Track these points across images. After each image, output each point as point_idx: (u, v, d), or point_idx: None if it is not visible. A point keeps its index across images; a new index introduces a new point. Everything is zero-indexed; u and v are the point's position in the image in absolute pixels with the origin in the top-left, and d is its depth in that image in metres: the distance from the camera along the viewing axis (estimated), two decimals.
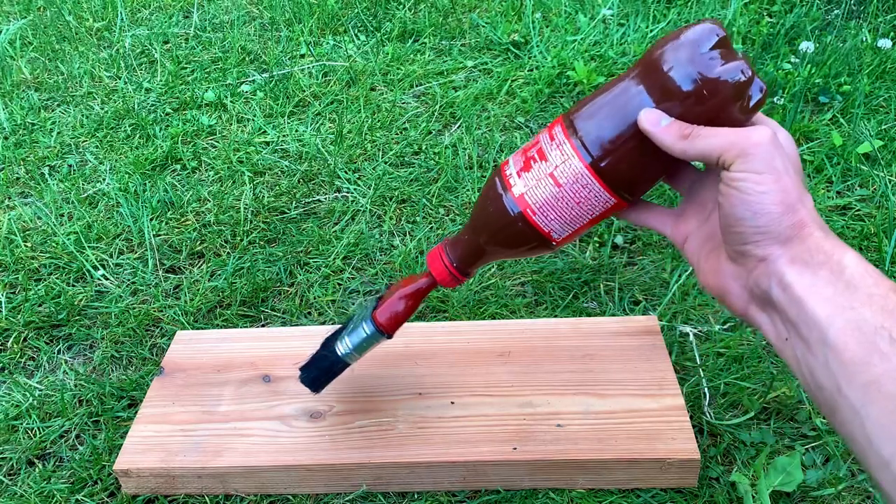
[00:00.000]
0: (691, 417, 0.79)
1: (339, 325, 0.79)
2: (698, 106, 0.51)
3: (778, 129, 0.52)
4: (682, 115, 0.52)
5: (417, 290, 0.71)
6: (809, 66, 1.40)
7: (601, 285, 1.01)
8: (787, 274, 0.46)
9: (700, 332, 0.93)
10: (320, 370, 0.76)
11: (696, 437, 0.76)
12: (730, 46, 0.52)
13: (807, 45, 1.45)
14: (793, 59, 1.45)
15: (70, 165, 1.33)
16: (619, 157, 0.54)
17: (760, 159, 0.47)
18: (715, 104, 0.51)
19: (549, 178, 0.57)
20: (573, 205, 0.57)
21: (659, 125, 0.51)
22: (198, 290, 1.04)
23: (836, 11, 1.58)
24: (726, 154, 0.48)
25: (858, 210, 1.12)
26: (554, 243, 0.60)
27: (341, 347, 0.74)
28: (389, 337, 0.72)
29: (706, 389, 0.85)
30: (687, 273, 1.01)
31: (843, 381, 0.42)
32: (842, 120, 1.31)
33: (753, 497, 0.75)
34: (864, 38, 1.50)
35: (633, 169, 0.55)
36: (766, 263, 0.48)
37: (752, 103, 0.52)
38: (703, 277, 0.54)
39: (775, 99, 1.34)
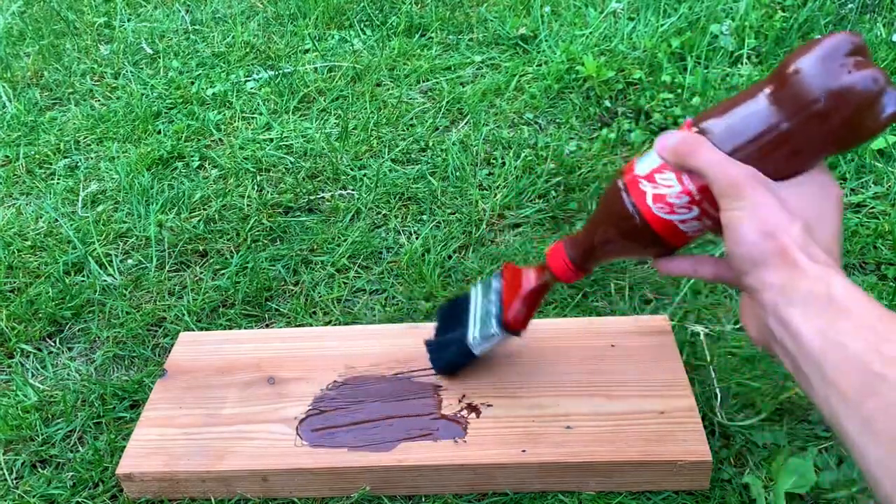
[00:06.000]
0: (703, 418, 0.78)
1: (452, 301, 0.86)
2: (826, 116, 0.50)
3: (819, 179, 0.53)
4: (810, 126, 0.51)
5: (540, 288, 0.74)
6: None
7: (611, 284, 0.99)
8: (780, 305, 0.48)
9: (711, 331, 0.91)
10: (453, 359, 0.81)
11: (708, 439, 0.75)
12: (866, 55, 0.51)
13: None
14: None
15: (72, 163, 1.33)
16: (749, 158, 0.53)
17: (741, 195, 0.50)
18: (841, 115, 0.50)
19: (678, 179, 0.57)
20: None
21: (665, 146, 0.55)
22: (201, 288, 1.03)
23: (850, 5, 1.56)
24: (714, 190, 0.52)
25: (873, 208, 1.10)
26: (674, 245, 0.61)
27: (472, 340, 0.78)
28: (519, 335, 0.77)
29: (718, 390, 0.84)
30: None
31: (841, 415, 0.43)
32: None
33: (767, 500, 0.74)
34: (879, 33, 1.48)
35: (763, 167, 0.54)
36: (761, 295, 0.49)
37: (884, 115, 0.50)
38: (739, 311, 0.56)
39: None
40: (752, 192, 0.50)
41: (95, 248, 1.11)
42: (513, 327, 0.76)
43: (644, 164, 0.59)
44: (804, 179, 0.53)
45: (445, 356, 0.82)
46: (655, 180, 0.57)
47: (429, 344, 0.84)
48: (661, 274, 0.62)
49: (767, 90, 0.53)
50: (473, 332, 0.78)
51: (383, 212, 1.15)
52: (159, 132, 1.38)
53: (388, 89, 1.46)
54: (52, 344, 0.98)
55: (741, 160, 0.52)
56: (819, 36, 0.52)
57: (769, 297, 0.48)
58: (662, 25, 1.53)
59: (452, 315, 0.83)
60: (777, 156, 0.53)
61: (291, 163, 1.27)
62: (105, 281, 1.06)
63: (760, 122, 0.53)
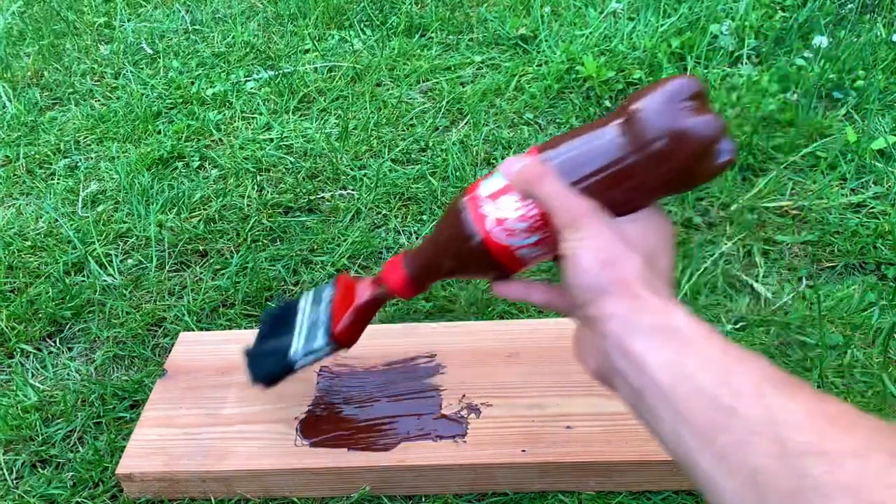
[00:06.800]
0: None
1: (280, 307, 0.79)
2: (665, 156, 0.51)
3: (654, 216, 0.54)
4: (650, 164, 0.52)
5: (374, 300, 0.70)
6: (823, 61, 1.38)
7: None
8: (623, 336, 0.47)
9: None
10: (272, 370, 0.74)
11: None
12: (705, 101, 0.52)
13: (820, 40, 1.43)
14: (806, 55, 1.43)
15: (72, 163, 1.32)
16: (589, 191, 0.54)
17: (581, 227, 0.50)
18: (680, 156, 0.51)
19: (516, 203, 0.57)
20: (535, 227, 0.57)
21: (512, 171, 0.55)
22: (201, 288, 1.03)
23: (850, 6, 1.56)
24: (555, 221, 0.52)
25: (873, 208, 1.10)
26: (510, 269, 0.60)
27: (294, 352, 0.72)
28: (347, 349, 0.72)
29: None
30: (698, 272, 0.99)
31: (693, 449, 0.42)
32: (856, 116, 1.29)
33: None
34: (879, 33, 1.48)
35: (603, 201, 0.54)
36: (603, 325, 0.48)
37: (718, 161, 0.51)
38: (573, 347, 0.56)
39: (788, 94, 1.33)
40: (592, 224, 0.50)
41: (95, 248, 1.11)
42: (341, 340, 0.71)
43: (487, 186, 0.58)
44: (640, 216, 0.53)
45: (264, 367, 0.75)
46: (497, 203, 0.57)
47: (247, 353, 0.77)
48: (497, 296, 0.62)
49: (611, 127, 0.53)
50: (297, 344, 0.72)
51: (383, 212, 1.15)
52: (159, 132, 1.38)
53: (388, 89, 1.46)
54: (52, 344, 0.98)
55: (581, 193, 0.53)
56: (663, 78, 0.53)
57: (612, 328, 0.47)
58: (662, 25, 1.53)
59: (277, 323, 0.77)
60: (616, 191, 0.53)
61: (291, 163, 1.27)
62: (105, 281, 1.06)
63: (603, 156, 0.53)
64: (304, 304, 0.76)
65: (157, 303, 1.02)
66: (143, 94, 1.50)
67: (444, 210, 0.63)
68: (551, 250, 0.57)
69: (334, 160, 1.26)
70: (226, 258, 1.08)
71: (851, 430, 0.37)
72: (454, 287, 1.00)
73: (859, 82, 1.34)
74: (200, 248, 1.11)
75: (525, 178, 0.54)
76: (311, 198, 1.19)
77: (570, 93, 1.41)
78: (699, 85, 0.52)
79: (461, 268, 0.62)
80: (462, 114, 1.37)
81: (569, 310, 0.56)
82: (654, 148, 0.51)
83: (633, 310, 0.47)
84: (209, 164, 1.30)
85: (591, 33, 1.54)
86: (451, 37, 1.63)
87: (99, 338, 0.98)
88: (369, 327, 0.92)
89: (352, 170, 1.24)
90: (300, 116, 1.40)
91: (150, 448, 0.78)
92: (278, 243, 1.11)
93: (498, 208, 0.57)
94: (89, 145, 1.37)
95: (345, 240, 1.09)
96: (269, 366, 0.74)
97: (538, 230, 0.56)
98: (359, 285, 0.72)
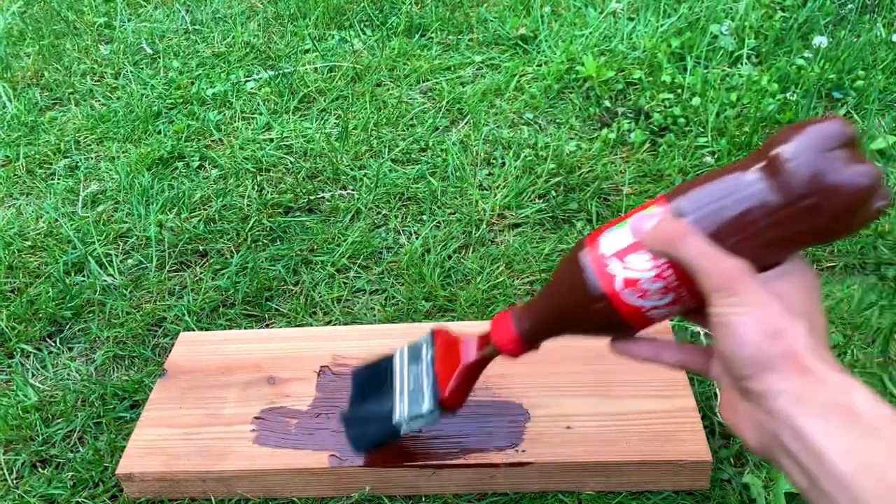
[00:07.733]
0: (703, 418, 0.78)
1: (372, 365, 0.76)
2: (817, 210, 0.48)
3: (800, 268, 0.50)
4: (799, 218, 0.48)
5: (481, 360, 0.67)
6: (823, 61, 1.38)
7: None
8: (796, 418, 0.43)
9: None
10: (377, 438, 0.73)
11: (708, 439, 0.75)
12: (857, 148, 0.48)
13: (820, 40, 1.43)
14: (806, 55, 1.43)
15: (72, 163, 1.33)
16: (731, 247, 0.49)
17: (736, 292, 0.46)
18: (833, 210, 0.47)
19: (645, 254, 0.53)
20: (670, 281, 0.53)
21: (646, 231, 0.51)
22: (201, 288, 1.03)
23: (849, 6, 1.56)
24: (705, 285, 0.48)
25: None
26: (636, 329, 0.57)
27: (399, 418, 0.69)
28: (455, 414, 0.69)
29: (718, 390, 0.84)
30: None
31: None
32: (856, 116, 1.29)
33: (767, 500, 0.74)
34: (879, 33, 1.48)
35: (745, 256, 0.50)
36: (771, 402, 0.44)
37: (871, 210, 0.47)
38: (721, 411, 0.51)
39: (788, 94, 1.33)
40: (749, 289, 0.46)
41: (95, 248, 1.11)
42: (449, 405, 0.67)
43: (612, 242, 0.54)
44: (787, 269, 0.49)
45: (368, 434, 0.73)
46: (625, 262, 0.53)
47: (345, 418, 0.75)
48: (617, 355, 0.59)
49: (753, 175, 0.49)
50: (401, 409, 0.69)
51: (383, 212, 1.15)
52: (159, 132, 1.38)
53: (388, 89, 1.46)
54: (52, 344, 0.98)
55: (724, 249, 0.49)
56: (808, 120, 0.49)
57: (781, 406, 0.44)
58: (662, 25, 1.53)
59: (371, 383, 0.74)
60: (759, 245, 0.49)
61: (291, 163, 1.27)
62: (105, 281, 1.06)
63: (744, 209, 0.49)
64: (400, 362, 0.73)
65: (157, 303, 1.02)
66: (143, 94, 1.50)
67: (560, 266, 0.59)
68: (686, 308, 0.53)
69: (334, 160, 1.26)
70: (226, 258, 1.08)
71: None
72: (454, 287, 1.00)
73: (859, 82, 1.34)
74: (200, 248, 1.11)
75: (663, 238, 0.50)
76: (311, 198, 1.19)
77: (570, 93, 1.41)
78: (850, 130, 0.47)
79: (580, 327, 0.59)
80: (462, 114, 1.37)
81: (711, 373, 0.53)
82: (804, 203, 0.48)
83: (805, 386, 0.43)
84: (209, 164, 1.30)
85: (591, 33, 1.54)
86: (451, 37, 1.63)
87: (99, 338, 0.98)
88: (369, 327, 0.93)
89: (352, 170, 1.24)
90: (300, 116, 1.40)
91: (150, 448, 0.78)
92: (278, 243, 1.11)
93: (627, 268, 0.53)
94: (89, 145, 1.38)
95: (345, 240, 1.09)
96: (372, 433, 0.72)
97: (675, 289, 0.52)
98: (462, 344, 0.68)
